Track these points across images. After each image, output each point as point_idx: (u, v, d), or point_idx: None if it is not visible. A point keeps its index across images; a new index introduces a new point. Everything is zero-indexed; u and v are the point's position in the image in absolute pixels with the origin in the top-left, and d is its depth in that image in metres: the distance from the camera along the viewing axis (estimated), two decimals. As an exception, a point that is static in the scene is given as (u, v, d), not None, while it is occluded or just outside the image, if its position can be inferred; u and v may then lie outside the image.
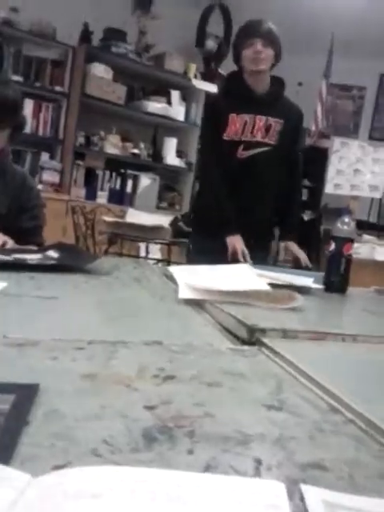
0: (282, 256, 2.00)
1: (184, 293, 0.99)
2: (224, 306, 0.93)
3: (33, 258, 1.21)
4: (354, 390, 0.59)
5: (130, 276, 1.19)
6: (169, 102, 4.24)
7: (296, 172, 2.14)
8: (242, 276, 1.24)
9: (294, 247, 2.03)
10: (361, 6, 4.27)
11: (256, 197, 1.99)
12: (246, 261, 1.84)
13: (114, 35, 4.00)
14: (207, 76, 4.61)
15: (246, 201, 1.97)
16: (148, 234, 2.86)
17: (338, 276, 1.44)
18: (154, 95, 4.20)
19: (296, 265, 2.02)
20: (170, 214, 4.03)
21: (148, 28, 4.22)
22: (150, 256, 2.97)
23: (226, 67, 4.81)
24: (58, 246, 1.32)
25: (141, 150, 4.13)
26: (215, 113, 2.01)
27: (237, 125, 1.94)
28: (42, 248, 1.36)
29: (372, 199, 4.89)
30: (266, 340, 0.75)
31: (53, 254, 1.26)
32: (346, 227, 1.47)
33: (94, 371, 0.56)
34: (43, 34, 3.79)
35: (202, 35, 4.63)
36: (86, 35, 3.92)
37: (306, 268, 1.91)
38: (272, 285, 1.19)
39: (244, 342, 0.76)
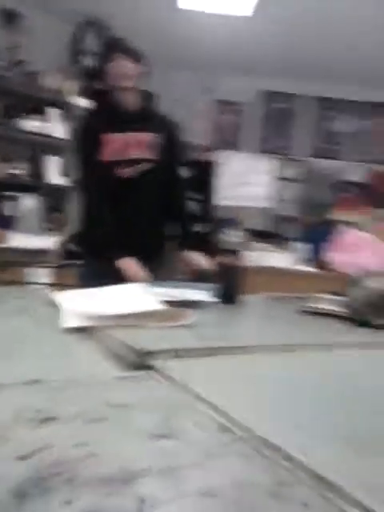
0: (180, 268, 1.98)
1: (68, 321, 0.94)
2: (112, 330, 0.91)
3: None
4: (244, 406, 0.59)
5: (13, 306, 1.11)
6: (47, 120, 4.13)
7: (178, 184, 2.15)
8: (133, 296, 1.21)
9: (190, 256, 1.98)
10: (240, 26, 4.50)
11: (141, 212, 1.98)
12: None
13: (-19, 50, 3.82)
14: (86, 92, 4.56)
15: (131, 217, 1.95)
16: (34, 257, 2.74)
17: (230, 287, 1.48)
18: (31, 113, 4.06)
19: (196, 276, 1.97)
20: (58, 235, 3.91)
21: (19, 44, 4.09)
22: (39, 281, 2.84)
23: (105, 83, 4.82)
24: None
25: (21, 169, 3.96)
26: (87, 135, 1.97)
27: (114, 144, 1.93)
28: None
29: (263, 209, 5.14)
30: (156, 362, 0.74)
31: None
32: (234, 239, 1.52)
33: None
34: None
35: (76, 51, 4.59)
36: None
37: (206, 276, 1.80)
38: (167, 302, 1.19)
39: (134, 368, 0.74)
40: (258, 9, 4.13)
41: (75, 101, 4.37)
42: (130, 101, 1.95)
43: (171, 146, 2.07)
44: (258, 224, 5.15)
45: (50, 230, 4.01)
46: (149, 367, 0.74)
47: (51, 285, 2.82)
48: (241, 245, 1.52)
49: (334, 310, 1.28)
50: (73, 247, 2.78)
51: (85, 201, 2.05)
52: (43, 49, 4.35)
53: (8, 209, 3.79)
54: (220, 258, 1.50)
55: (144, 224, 1.99)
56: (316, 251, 3.87)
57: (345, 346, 0.94)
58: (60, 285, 2.78)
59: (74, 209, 4.35)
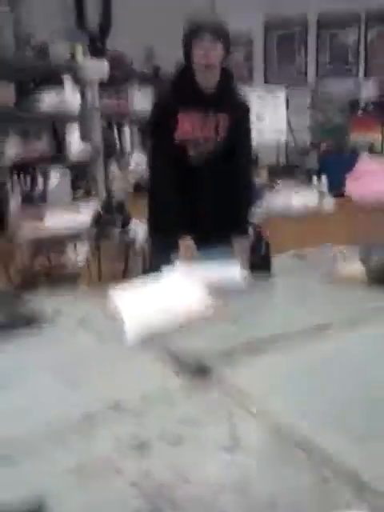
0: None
1: (130, 336, 1.07)
2: (170, 337, 1.03)
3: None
4: (295, 410, 0.71)
5: (73, 320, 1.23)
6: (61, 91, 4.10)
7: (244, 168, 2.07)
8: (180, 290, 1.32)
9: (238, 247, 1.86)
10: None
11: (210, 193, 1.97)
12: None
13: (-12, 31, 3.76)
14: (95, 53, 4.47)
15: (200, 198, 1.96)
16: (73, 234, 2.86)
17: (260, 259, 1.58)
18: (45, 87, 4.04)
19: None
20: (88, 202, 4.01)
21: (22, 15, 4.00)
22: (81, 255, 2.98)
23: (114, 42, 4.69)
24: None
25: (43, 145, 4.01)
26: (165, 114, 1.95)
27: (186, 124, 1.92)
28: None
29: (278, 142, 5.07)
30: (213, 368, 0.86)
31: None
32: (260, 211, 1.60)
33: (82, 460, 0.63)
34: None
35: (80, 13, 4.45)
36: None
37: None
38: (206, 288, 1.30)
39: (195, 375, 0.86)
40: None
41: (86, 65, 4.30)
42: (211, 81, 1.91)
43: (240, 129, 2.03)
44: (277, 158, 5.10)
45: (81, 197, 4.12)
46: (207, 373, 0.86)
47: (92, 256, 2.94)
48: (264, 218, 1.60)
49: (355, 276, 1.37)
50: (106, 216, 2.87)
51: (153, 182, 2.06)
52: (47, 17, 4.24)
53: (39, 185, 3.90)
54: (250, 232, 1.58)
55: (210, 202, 1.97)
56: (337, 182, 3.86)
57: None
58: (100, 260, 2.90)
59: (100, 173, 4.43)
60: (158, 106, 2.06)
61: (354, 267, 1.42)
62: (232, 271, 1.52)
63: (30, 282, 2.50)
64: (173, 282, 1.41)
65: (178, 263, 1.61)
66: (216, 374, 0.84)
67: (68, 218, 2.89)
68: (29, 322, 1.18)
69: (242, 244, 1.89)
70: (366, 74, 5.84)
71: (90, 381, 0.90)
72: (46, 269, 2.72)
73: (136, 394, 0.81)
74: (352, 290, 1.31)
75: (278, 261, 1.61)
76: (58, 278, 2.68)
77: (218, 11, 4.50)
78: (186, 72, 1.93)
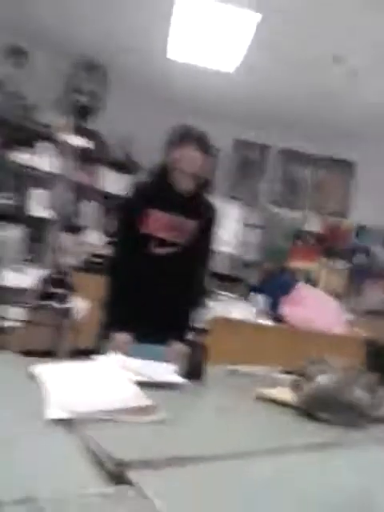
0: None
1: (52, 412, 1.00)
2: (92, 427, 0.97)
3: None
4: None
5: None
6: (37, 153, 4.16)
7: (201, 272, 2.09)
8: (109, 378, 1.28)
9: (176, 348, 1.89)
10: (223, 79, 4.69)
11: (162, 287, 1.98)
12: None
13: (-18, 83, 3.84)
14: (78, 130, 4.62)
15: (151, 290, 1.97)
16: (12, 295, 2.75)
17: (195, 366, 1.55)
18: (22, 145, 4.09)
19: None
20: (36, 266, 3.91)
21: (20, 78, 4.13)
22: (13, 317, 2.84)
23: (97, 124, 4.89)
24: None
25: (6, 200, 3.96)
26: (135, 206, 1.97)
27: (156, 221, 1.93)
28: None
29: (225, 253, 5.26)
30: (133, 475, 0.80)
31: None
32: (201, 317, 1.60)
33: None
34: None
35: (74, 90, 4.66)
36: None
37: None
38: (137, 382, 1.25)
39: (114, 479, 0.80)
40: (239, 68, 4.35)
41: (66, 137, 4.42)
42: (186, 186, 1.93)
43: (207, 234, 2.06)
44: (223, 268, 5.27)
45: (31, 260, 4.01)
46: (127, 481, 0.80)
47: (25, 321, 2.83)
48: (206, 325, 1.60)
49: (286, 401, 1.37)
50: (50, 288, 2.79)
51: (110, 272, 2.04)
52: (41, 84, 4.40)
53: (-10, 237, 3.78)
54: (190, 337, 1.57)
55: (161, 296, 1.98)
56: (273, 303, 3.99)
57: (299, 449, 1.04)
58: (33, 322, 2.80)
59: (54, 242, 4.38)
60: (130, 196, 2.06)
61: (285, 391, 1.42)
62: (166, 371, 1.48)
63: None
64: (104, 368, 1.35)
65: (111, 352, 1.57)
66: (135, 484, 0.78)
67: (13, 277, 2.78)
68: None
69: (179, 345, 1.88)
70: (311, 208, 6.35)
71: (3, 460, 0.81)
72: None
73: (49, 488, 0.73)
74: (281, 415, 1.30)
75: (211, 371, 1.59)
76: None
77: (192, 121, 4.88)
78: (163, 172, 1.94)
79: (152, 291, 1.97)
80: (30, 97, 4.21)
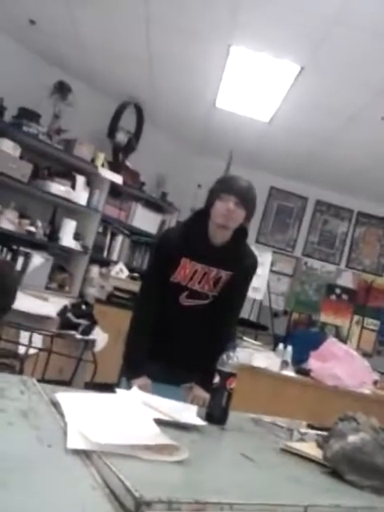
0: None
1: (73, 442, 0.99)
2: (112, 459, 0.95)
3: None
4: None
5: (15, 407, 1.15)
6: (73, 186, 4.29)
7: (230, 320, 2.04)
8: (132, 412, 1.26)
9: (198, 390, 1.90)
10: (261, 128, 4.80)
11: (187, 338, 1.96)
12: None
13: (28, 115, 4.03)
14: (114, 166, 4.77)
15: (177, 333, 1.95)
16: (33, 322, 2.78)
17: (219, 409, 1.53)
18: (59, 177, 4.24)
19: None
20: (59, 295, 3.97)
21: (63, 113, 4.33)
22: (33, 345, 2.86)
23: (133, 161, 5.05)
24: None
25: (37, 228, 4.07)
26: (168, 251, 1.91)
27: (187, 271, 1.88)
28: None
29: (254, 300, 5.23)
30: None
31: None
32: (230, 361, 1.58)
33: None
34: None
35: (114, 127, 4.84)
36: (-1, 110, 3.91)
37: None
38: (158, 420, 1.24)
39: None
40: (275, 118, 4.45)
41: (103, 172, 4.56)
42: (223, 237, 1.89)
43: (240, 284, 2.00)
44: (251, 314, 5.23)
45: (54, 289, 4.07)
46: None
47: (44, 350, 2.85)
48: (235, 369, 1.57)
49: (312, 456, 1.33)
50: (72, 318, 2.82)
51: (135, 312, 2.02)
52: (83, 120, 4.59)
53: (19, 263, 3.87)
54: (216, 380, 1.55)
55: (186, 339, 1.96)
56: (300, 355, 3.91)
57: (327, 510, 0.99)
58: (52, 351, 2.82)
59: (80, 272, 4.45)
60: (164, 241, 2.01)
61: (312, 447, 1.37)
62: (187, 412, 1.46)
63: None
64: (127, 403, 1.34)
65: (134, 389, 1.56)
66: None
67: (36, 304, 2.82)
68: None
69: (200, 391, 1.87)
70: (346, 264, 6.30)
71: (21, 485, 0.80)
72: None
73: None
74: (307, 471, 1.25)
75: (233, 417, 1.55)
76: (5, 356, 2.54)
77: (231, 170, 5.00)
78: (200, 220, 1.91)
79: (177, 334, 1.95)
80: (72, 131, 4.39)
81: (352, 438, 1.31)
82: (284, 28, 3.15)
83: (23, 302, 2.88)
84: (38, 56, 4.44)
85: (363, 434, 1.32)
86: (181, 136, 5.62)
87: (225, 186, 1.85)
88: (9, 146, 3.80)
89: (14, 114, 4.03)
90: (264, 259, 5.64)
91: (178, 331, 1.96)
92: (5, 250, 3.83)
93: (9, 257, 3.84)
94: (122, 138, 4.89)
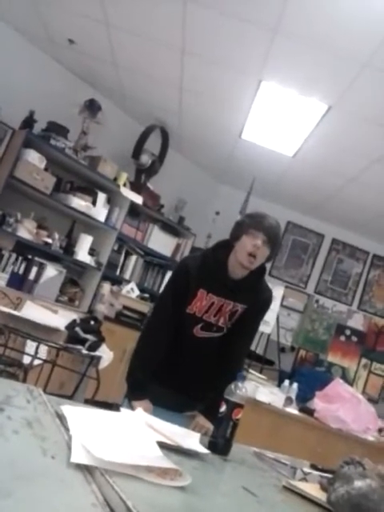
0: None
1: (77, 456, 0.98)
2: (114, 478, 0.94)
3: None
4: None
5: (21, 416, 1.14)
6: (93, 202, 4.35)
7: (240, 352, 2.03)
8: (136, 432, 1.25)
9: (201, 420, 1.88)
10: (284, 162, 4.84)
11: (196, 368, 1.95)
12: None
13: (57, 129, 4.12)
14: (135, 187, 4.84)
15: (185, 362, 1.94)
16: (42, 333, 2.78)
17: (223, 439, 1.50)
18: (81, 192, 4.30)
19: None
20: (69, 309, 3.98)
21: (91, 130, 4.42)
22: (38, 355, 2.86)
23: (154, 183, 5.12)
24: None
25: (54, 240, 4.11)
26: (185, 280, 1.87)
27: (203, 302, 1.86)
28: None
29: (262, 333, 5.18)
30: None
31: None
32: (238, 392, 1.56)
33: None
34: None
35: (139, 149, 4.92)
36: (28, 122, 4.00)
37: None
38: (161, 444, 1.23)
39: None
40: (299, 153, 4.49)
41: (124, 191, 4.62)
42: (240, 273, 1.88)
43: (253, 318, 1.99)
44: (258, 347, 5.17)
45: (64, 302, 4.08)
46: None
47: (49, 362, 2.84)
48: (242, 400, 1.56)
49: (315, 498, 1.29)
50: (80, 333, 2.82)
51: (146, 331, 2.00)
52: (109, 139, 4.68)
53: (32, 273, 3.90)
54: (222, 409, 1.53)
55: (194, 369, 1.95)
56: (304, 393, 3.86)
57: None
58: (56, 364, 2.81)
59: (91, 288, 4.46)
60: (182, 270, 1.95)
61: (315, 488, 1.34)
62: (190, 439, 1.44)
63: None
64: (131, 423, 1.33)
65: (138, 410, 1.54)
66: None
67: (45, 315, 2.83)
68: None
69: (203, 420, 1.85)
70: (358, 306, 6.24)
71: (23, 495, 0.79)
72: (3, 352, 2.59)
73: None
74: (307, 510, 1.22)
75: (236, 449, 1.53)
76: (10, 365, 2.53)
77: (250, 201, 5.05)
78: (221, 252, 1.89)
79: (187, 363, 1.94)
80: (98, 148, 4.47)
81: (358, 484, 1.27)
82: (315, 67, 3.21)
83: (33, 312, 2.89)
84: (73, 73, 4.57)
85: (370, 481, 1.28)
86: (203, 163, 5.69)
87: (255, 222, 1.82)
88: (35, 158, 3.88)
89: (44, 127, 4.12)
90: (276, 293, 5.59)
91: (188, 361, 1.94)
92: (20, 258, 3.86)
93: (23, 265, 3.87)
94: (145, 159, 4.97)
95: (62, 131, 4.15)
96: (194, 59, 3.66)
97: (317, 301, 6.24)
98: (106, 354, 2.96)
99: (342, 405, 3.59)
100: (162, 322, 1.92)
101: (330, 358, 5.89)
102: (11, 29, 4.10)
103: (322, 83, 3.37)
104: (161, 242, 5.11)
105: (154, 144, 5.02)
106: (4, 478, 0.83)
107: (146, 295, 4.76)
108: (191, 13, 3.11)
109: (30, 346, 2.84)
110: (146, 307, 4.59)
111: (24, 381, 2.49)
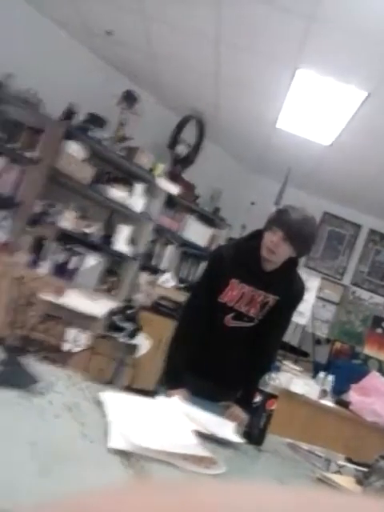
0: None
1: (114, 442, 1.00)
2: (150, 464, 0.96)
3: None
4: None
5: (62, 401, 1.18)
6: (130, 193, 4.39)
7: (274, 342, 2.03)
8: (172, 420, 1.27)
9: (235, 411, 1.86)
10: (321, 151, 4.75)
11: (229, 358, 1.95)
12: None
13: (95, 120, 4.17)
14: (171, 177, 4.85)
15: (220, 352, 1.94)
16: (81, 321, 2.84)
17: (257, 429, 1.51)
18: (118, 183, 4.34)
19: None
20: (107, 298, 4.04)
21: (128, 121, 4.45)
22: (78, 343, 2.92)
23: (190, 174, 5.12)
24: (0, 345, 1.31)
25: (93, 230, 4.18)
26: (219, 268, 1.89)
27: (234, 292, 1.87)
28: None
29: (297, 324, 5.13)
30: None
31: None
32: (272, 383, 1.56)
33: None
34: (28, 102, 3.90)
35: (175, 139, 4.92)
36: (69, 114, 4.06)
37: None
38: (196, 432, 1.24)
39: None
40: (336, 142, 4.38)
41: (160, 182, 4.64)
42: (271, 264, 1.87)
43: (286, 310, 1.98)
44: (292, 339, 5.13)
45: (103, 290, 4.16)
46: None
47: (88, 349, 2.91)
48: (276, 391, 1.55)
49: (350, 491, 1.28)
50: (118, 322, 2.86)
51: (182, 320, 2.01)
52: (146, 130, 4.70)
53: (73, 262, 3.98)
54: (257, 399, 1.53)
55: (229, 359, 1.96)
56: (340, 386, 3.81)
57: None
58: (94, 350, 2.87)
59: (129, 277, 4.53)
60: (216, 258, 1.96)
61: (349, 481, 1.33)
62: (226, 428, 1.45)
63: (27, 344, 2.46)
64: (168, 411, 1.35)
65: (174, 399, 1.56)
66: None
67: (85, 303, 2.89)
68: (25, 385, 1.12)
69: (239, 410, 1.83)
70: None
71: (63, 474, 0.82)
72: (45, 338, 2.67)
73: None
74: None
75: (270, 439, 1.53)
76: (51, 351, 2.61)
77: (286, 191, 4.98)
78: (254, 242, 1.88)
79: (220, 353, 1.94)
80: (135, 139, 4.50)
81: (393, 477, 1.26)
82: (353, 53, 3.12)
83: (73, 300, 2.95)
84: (110, 65, 4.61)
85: (406, 475, 1.27)
86: (239, 153, 5.64)
87: (276, 218, 1.81)
88: (74, 149, 3.94)
89: (83, 118, 4.18)
90: (311, 284, 5.54)
91: (221, 350, 1.95)
92: (61, 248, 3.95)
93: (64, 255, 3.96)
94: (181, 150, 4.96)
95: (100, 123, 4.19)
96: (229, 49, 3.62)
97: (353, 292, 6.12)
98: (143, 342, 3.00)
99: (379, 398, 3.53)
100: (197, 311, 1.94)
101: (367, 350, 5.77)
102: (50, 22, 4.16)
103: (360, 69, 3.27)
104: (196, 233, 5.12)
105: (190, 134, 5.01)
106: (45, 459, 0.86)
107: (182, 285, 4.79)
108: (227, 2, 3.08)
109: (70, 334, 2.90)
110: (182, 297, 4.61)
111: (64, 367, 2.56)
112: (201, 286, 2.00)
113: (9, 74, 3.83)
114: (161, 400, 1.46)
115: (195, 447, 1.11)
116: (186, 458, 1.05)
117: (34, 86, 3.94)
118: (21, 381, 1.14)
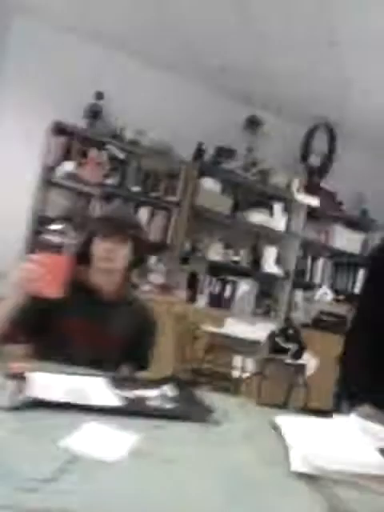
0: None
1: (297, 464, 0.99)
2: (338, 488, 0.93)
3: (151, 395, 1.28)
4: None
5: (238, 429, 1.21)
6: (271, 214, 4.40)
7: None
8: (352, 440, 1.21)
9: None
10: None
11: None
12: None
13: (225, 153, 4.31)
14: (310, 189, 4.75)
15: None
16: (245, 347, 2.89)
17: None
18: (257, 207, 4.39)
19: None
20: (266, 320, 4.05)
21: (256, 145, 4.51)
22: (246, 369, 2.97)
23: (329, 182, 4.96)
24: (172, 381, 1.39)
25: (241, 257, 4.27)
26: (380, 269, 1.72)
27: None
28: (157, 381, 1.42)
29: None
30: None
31: (169, 392, 1.32)
32: None
33: None
34: (161, 151, 4.20)
35: (306, 151, 4.84)
36: (199, 153, 4.28)
37: None
38: (382, 450, 1.16)
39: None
40: None
41: (299, 197, 4.58)
42: None
43: None
44: None
45: (261, 314, 4.19)
46: None
47: (257, 374, 2.93)
48: None
49: None
50: (280, 342, 2.85)
51: (351, 334, 1.85)
52: (275, 149, 4.71)
53: (227, 291, 4.10)
54: None
55: None
56: None
57: None
58: (264, 375, 2.88)
59: (284, 297, 4.50)
60: (379, 254, 1.79)
61: None
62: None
63: (198, 376, 2.58)
64: (346, 429, 1.29)
65: (352, 416, 1.48)
66: None
67: (246, 329, 2.95)
68: (201, 417, 1.18)
69: None
70: None
71: (251, 502, 0.84)
72: (213, 369, 2.78)
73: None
74: None
75: None
76: (220, 380, 2.70)
77: None
78: None
79: None
80: (266, 161, 4.53)
81: None
82: None
83: (234, 328, 3.03)
84: (227, 97, 4.75)
85: None
86: (378, 151, 5.31)
87: None
88: (210, 184, 4.11)
89: (212, 153, 4.35)
90: None
91: None
92: (214, 279, 4.10)
93: (218, 286, 4.10)
94: (315, 160, 4.86)
95: (229, 154, 4.32)
96: (342, 48, 3.49)
97: None
98: (310, 361, 2.93)
99: None
100: (367, 324, 1.82)
101: None
102: (165, 70, 4.45)
103: None
104: (347, 240, 4.90)
105: (320, 143, 4.89)
106: (232, 487, 0.89)
107: (341, 297, 4.59)
108: (337, 3, 3.00)
109: (236, 360, 2.97)
110: (343, 309, 4.42)
111: (235, 394, 2.61)
112: (367, 296, 1.80)
113: (141, 130, 4.18)
114: (338, 419, 1.40)
115: (381, 466, 1.04)
116: (374, 478, 0.99)
117: (163, 136, 4.24)
118: (196, 413, 1.20)
